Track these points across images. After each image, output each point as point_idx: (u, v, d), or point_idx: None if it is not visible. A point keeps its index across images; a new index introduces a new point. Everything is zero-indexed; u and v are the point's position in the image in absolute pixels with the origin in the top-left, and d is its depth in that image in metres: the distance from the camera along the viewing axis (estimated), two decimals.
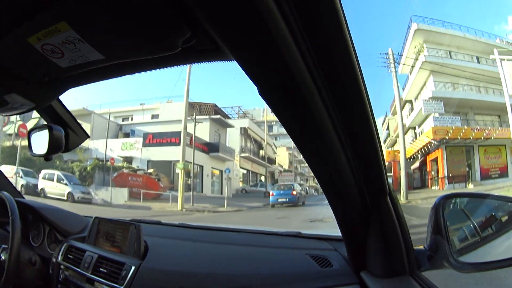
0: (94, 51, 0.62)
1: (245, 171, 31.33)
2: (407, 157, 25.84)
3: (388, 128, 35.32)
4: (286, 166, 41.72)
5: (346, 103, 0.60)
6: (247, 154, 30.28)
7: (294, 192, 16.95)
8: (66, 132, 1.05)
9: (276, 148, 41.50)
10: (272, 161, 36.35)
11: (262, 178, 35.09)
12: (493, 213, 0.92)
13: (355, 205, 0.77)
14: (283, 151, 42.77)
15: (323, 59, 0.53)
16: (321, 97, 0.57)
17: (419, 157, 27.24)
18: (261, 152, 34.01)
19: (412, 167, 27.06)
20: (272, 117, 45.11)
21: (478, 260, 0.82)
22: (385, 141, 36.93)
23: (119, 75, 0.82)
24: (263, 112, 46.75)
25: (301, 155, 0.69)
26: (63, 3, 0.53)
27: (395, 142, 31.96)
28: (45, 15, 0.55)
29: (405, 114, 27.20)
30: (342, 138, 0.64)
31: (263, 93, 0.56)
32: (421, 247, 0.84)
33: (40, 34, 0.59)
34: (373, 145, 0.67)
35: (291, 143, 41.95)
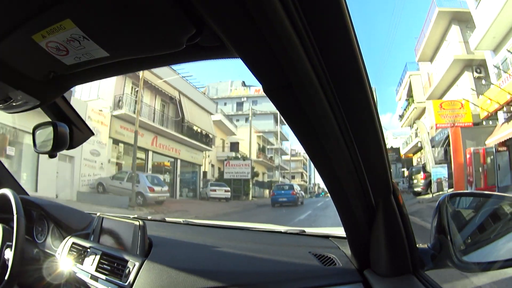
0: (98, 49, 0.62)
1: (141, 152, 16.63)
2: (473, 121, 14.17)
3: (410, 94, 23.22)
4: (253, 155, 27.66)
5: (351, 102, 0.60)
6: (123, 112, 14.97)
7: (294, 192, 17.87)
8: (71, 129, 1.06)
9: (236, 128, 28.85)
10: (213, 141, 23.63)
11: (205, 169, 23.42)
12: (497, 213, 0.92)
13: (359, 204, 0.77)
14: (249, 133, 27.94)
15: (328, 57, 0.53)
16: (326, 96, 0.57)
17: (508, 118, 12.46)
18: (195, 128, 20.81)
19: (489, 141, 13.16)
20: (244, 91, 36.02)
21: (482, 260, 0.82)
22: (401, 116, 26.62)
23: (124, 72, 0.82)
24: (231, 85, 37.20)
25: (304, 152, 0.68)
26: (67, 0, 0.53)
27: (423, 111, 21.31)
28: (50, 12, 0.56)
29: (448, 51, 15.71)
30: (347, 137, 0.64)
31: (268, 91, 0.56)
32: (425, 246, 0.84)
33: (45, 31, 0.59)
34: (378, 144, 0.67)
35: (267, 127, 34.52)
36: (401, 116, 26.86)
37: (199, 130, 21.56)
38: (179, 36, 0.58)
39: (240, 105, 36.83)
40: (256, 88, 35.48)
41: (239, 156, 25.66)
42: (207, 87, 35.72)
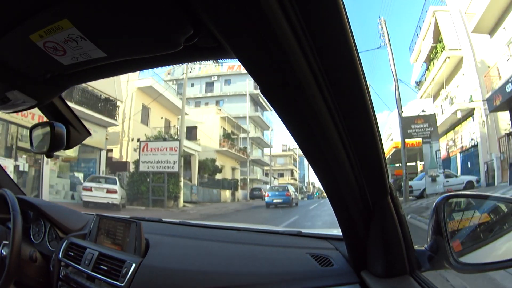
0: (96, 49, 0.62)
1: None
2: None
3: (437, 39, 15.38)
4: (215, 144, 21.81)
5: (348, 104, 0.60)
6: None
7: (288, 194, 17.81)
8: (68, 129, 1.06)
9: (188, 106, 21.22)
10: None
11: (126, 158, 16.11)
12: (493, 214, 0.92)
13: (357, 205, 0.77)
14: (210, 114, 22.07)
15: (325, 58, 0.53)
16: (323, 97, 0.57)
17: None
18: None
19: None
20: (215, 70, 29.99)
21: (479, 261, 0.82)
22: (419, 83, 18.48)
23: (121, 72, 0.82)
24: (200, 62, 26.47)
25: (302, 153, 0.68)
26: (65, 0, 0.53)
27: (458, 66, 14.27)
28: (48, 12, 0.56)
29: None
30: (344, 139, 0.64)
31: (265, 91, 0.56)
32: (422, 247, 0.84)
33: (42, 31, 0.59)
34: (375, 146, 0.67)
35: (242, 111, 27.45)
36: (419, 84, 18.38)
37: (96, 92, 13.33)
38: (176, 37, 0.58)
39: (210, 85, 30.04)
40: (230, 64, 28.83)
41: (165, 136, 16.36)
42: (172, 67, 29.41)
